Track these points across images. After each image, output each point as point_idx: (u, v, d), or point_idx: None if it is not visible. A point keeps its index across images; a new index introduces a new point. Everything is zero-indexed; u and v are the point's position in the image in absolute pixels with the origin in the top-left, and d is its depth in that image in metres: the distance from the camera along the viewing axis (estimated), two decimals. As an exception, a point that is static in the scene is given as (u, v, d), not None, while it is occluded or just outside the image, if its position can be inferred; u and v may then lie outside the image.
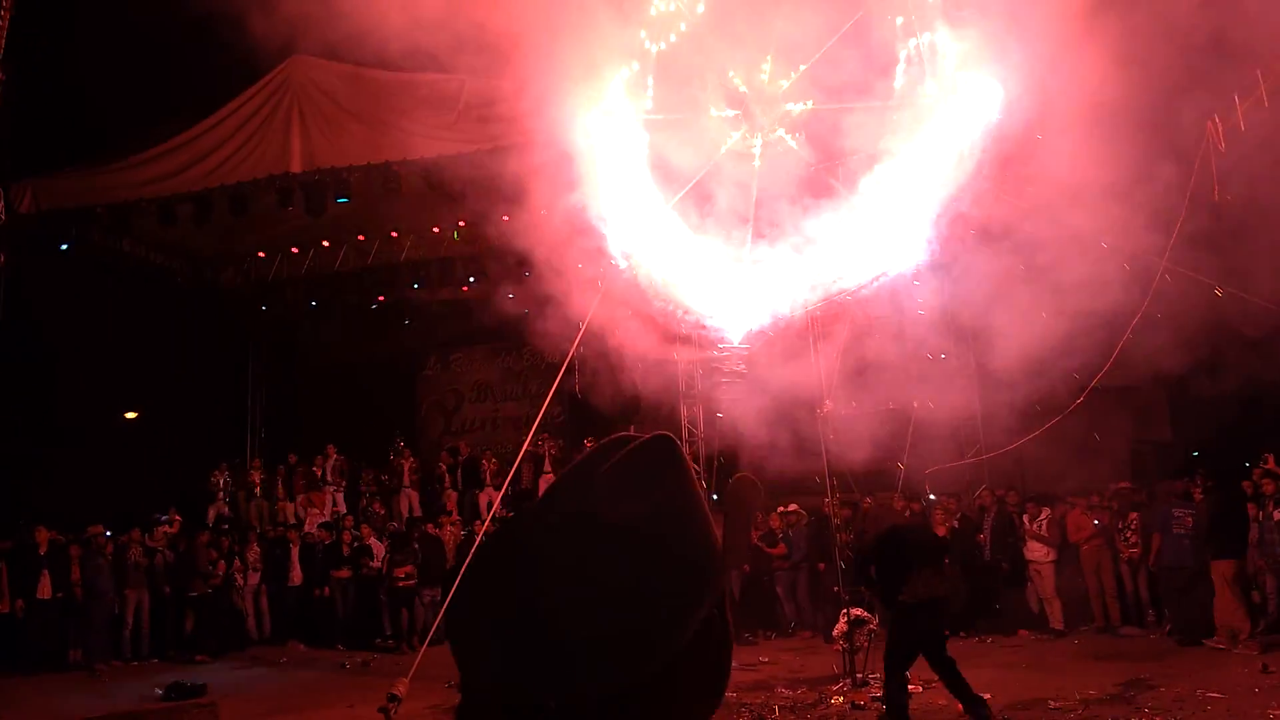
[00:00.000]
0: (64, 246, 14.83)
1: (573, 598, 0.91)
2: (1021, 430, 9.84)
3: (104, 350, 15.87)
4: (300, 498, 16.18)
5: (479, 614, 0.99)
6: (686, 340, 13.05)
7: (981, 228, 8.67)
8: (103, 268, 15.75)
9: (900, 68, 7.54)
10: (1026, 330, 8.56)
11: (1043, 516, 11.90)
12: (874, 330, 10.47)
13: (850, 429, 9.95)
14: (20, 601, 11.82)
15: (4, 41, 8.36)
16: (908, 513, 10.44)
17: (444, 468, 16.89)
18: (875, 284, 8.29)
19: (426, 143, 12.58)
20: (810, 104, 8.09)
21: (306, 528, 15.04)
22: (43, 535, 12.24)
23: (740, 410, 13.68)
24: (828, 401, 9.52)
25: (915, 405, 10.00)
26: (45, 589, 12.01)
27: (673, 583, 1.09)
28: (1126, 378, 9.66)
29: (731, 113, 7.86)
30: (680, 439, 13.74)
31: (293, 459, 16.94)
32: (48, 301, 15.18)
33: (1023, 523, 12.02)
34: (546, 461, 16.42)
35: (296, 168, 12.77)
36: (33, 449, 15.05)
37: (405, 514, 16.04)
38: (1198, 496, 10.89)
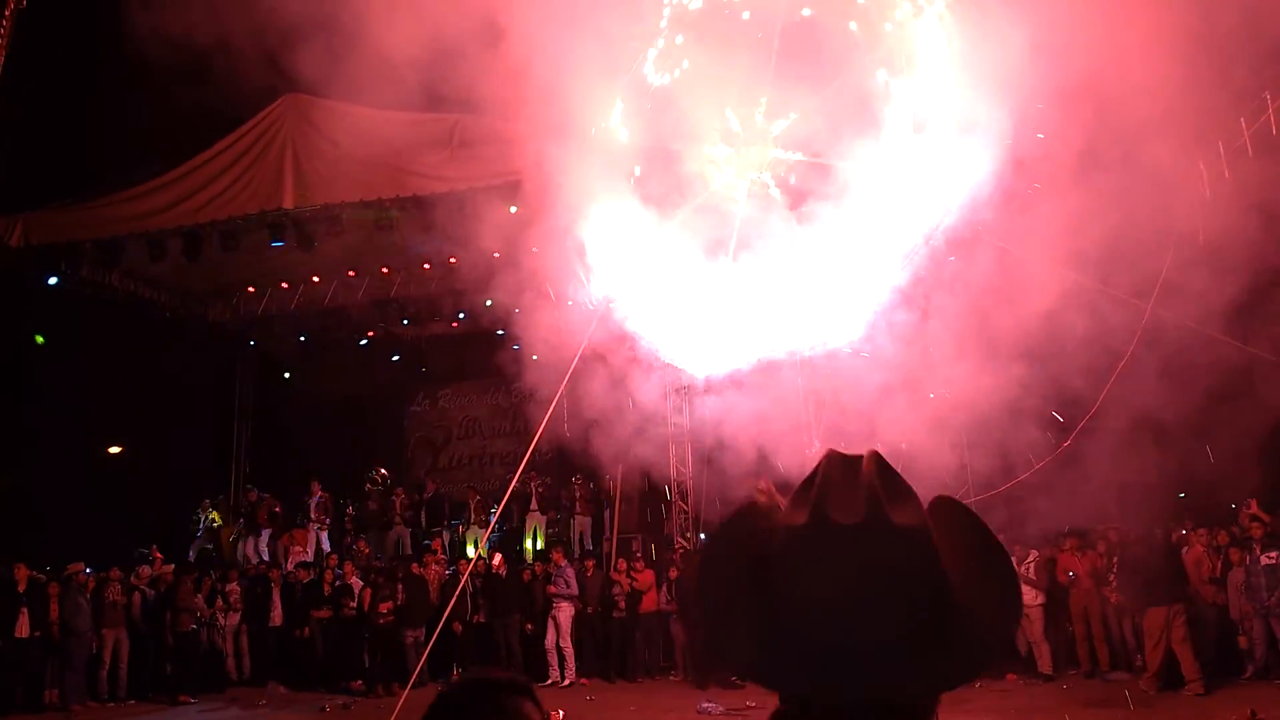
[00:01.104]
0: (52, 280, 14.79)
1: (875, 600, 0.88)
2: (1010, 472, 9.84)
3: (89, 383, 15.77)
4: (284, 536, 16.01)
5: (765, 626, 0.94)
6: (675, 377, 13.12)
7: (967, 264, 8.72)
8: (90, 301, 15.71)
9: (888, 120, 7.63)
10: (1013, 370, 8.60)
11: (1030, 559, 11.86)
12: (859, 368, 10.48)
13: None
14: (-3, 639, 11.62)
15: (0, 76, 8.41)
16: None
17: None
18: (859, 325, 8.33)
19: (419, 180, 12.67)
20: (798, 155, 8.18)
21: (288, 566, 14.87)
22: (22, 572, 12.05)
23: (726, 448, 13.71)
24: (816, 441, 9.50)
25: (904, 447, 9.98)
26: (24, 627, 11.80)
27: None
28: (1114, 420, 9.68)
29: (723, 151, 7.93)
30: (670, 481, 13.87)
31: (252, 496, 16.82)
32: (33, 334, 15.14)
33: (1011, 565, 11.96)
34: (534, 499, 16.31)
35: (289, 203, 12.82)
36: (14, 482, 14.86)
37: (393, 551, 15.91)
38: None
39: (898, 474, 1.24)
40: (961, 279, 8.40)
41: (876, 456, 1.26)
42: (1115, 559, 11.51)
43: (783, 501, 1.28)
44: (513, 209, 11.46)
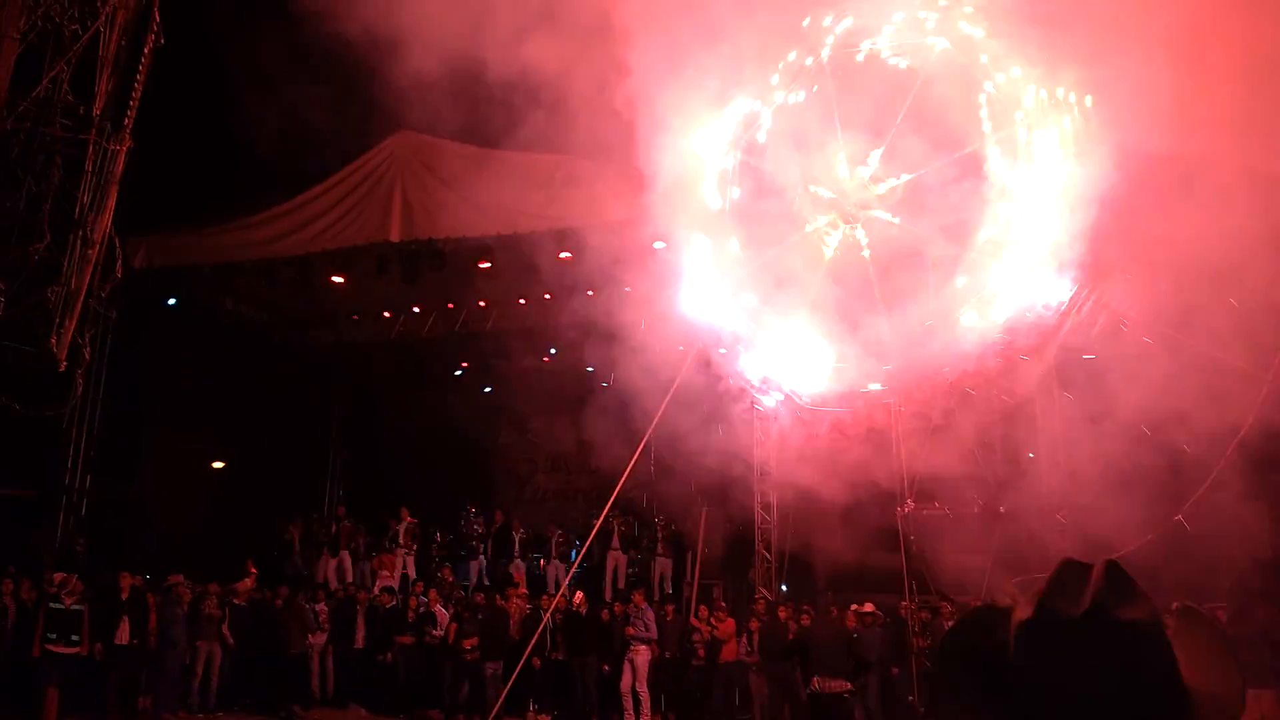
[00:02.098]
0: (171, 301, 15.53)
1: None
2: (1116, 538, 9.38)
3: (197, 400, 16.46)
4: (373, 560, 16.33)
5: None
6: (766, 423, 12.99)
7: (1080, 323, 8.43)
8: (204, 322, 16.44)
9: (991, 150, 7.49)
10: (1123, 436, 8.24)
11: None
12: (959, 427, 10.19)
13: (933, 529, 9.63)
14: (99, 645, 12.06)
15: (135, 112, 8.91)
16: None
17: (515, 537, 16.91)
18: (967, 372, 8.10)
19: (520, 218, 12.94)
20: (900, 179, 8.06)
21: (374, 590, 15.12)
22: (125, 581, 12.53)
23: (817, 498, 13.47)
24: (910, 501, 9.26)
25: (1002, 510, 9.65)
26: (124, 634, 12.24)
27: None
28: (1229, 486, 9.18)
29: (824, 218, 7.89)
30: (754, 523, 13.67)
31: (341, 512, 17.22)
32: (150, 351, 15.89)
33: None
34: (615, 538, 16.28)
35: (395, 237, 13.23)
36: (126, 492, 15.55)
37: (476, 581, 16.07)
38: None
39: (1131, 578, 1.31)
40: (1068, 344, 8.13)
41: (1110, 563, 1.33)
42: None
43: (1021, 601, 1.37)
44: (607, 247, 11.57)
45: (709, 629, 12.73)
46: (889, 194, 8.03)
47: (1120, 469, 8.28)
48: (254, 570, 14.63)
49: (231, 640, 13.07)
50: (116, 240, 8.36)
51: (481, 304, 16.97)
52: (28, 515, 14.40)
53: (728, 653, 12.58)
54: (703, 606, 13.13)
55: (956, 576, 10.22)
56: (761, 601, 13.14)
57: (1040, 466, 12.20)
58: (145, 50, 8.77)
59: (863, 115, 7.88)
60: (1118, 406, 8.04)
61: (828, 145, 8.08)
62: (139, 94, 9.08)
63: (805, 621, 12.12)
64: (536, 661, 12.53)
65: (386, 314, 17.49)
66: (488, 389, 19.03)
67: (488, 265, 13.82)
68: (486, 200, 12.73)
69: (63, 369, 7.83)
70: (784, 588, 13.84)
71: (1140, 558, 9.18)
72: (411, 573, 16.20)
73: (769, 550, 13.90)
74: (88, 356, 8.89)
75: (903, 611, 10.84)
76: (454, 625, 13.32)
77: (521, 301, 16.62)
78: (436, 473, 18.42)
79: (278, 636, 13.23)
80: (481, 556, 16.77)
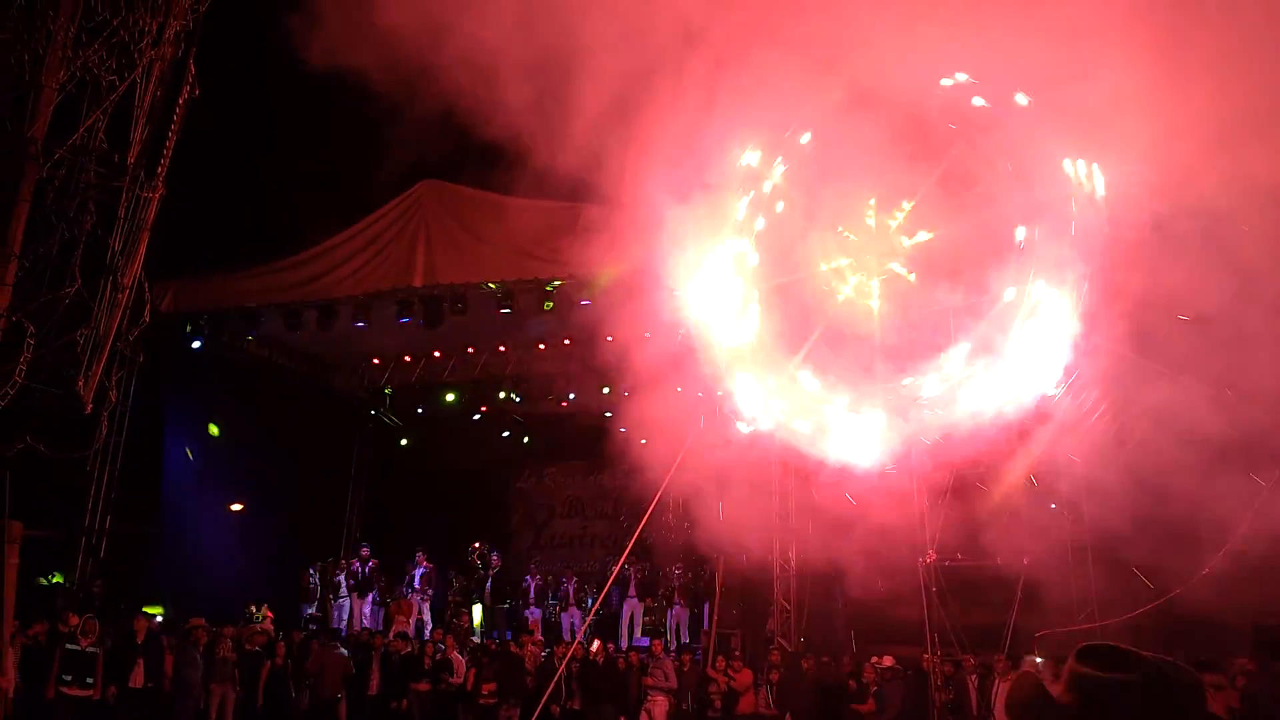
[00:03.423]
0: (195, 344, 15.71)
1: None
2: (1139, 596, 9.25)
3: (219, 443, 16.56)
4: (391, 604, 16.25)
5: None
6: (785, 472, 12.92)
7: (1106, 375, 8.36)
8: (227, 364, 16.60)
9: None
10: (1148, 496, 8.13)
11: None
12: (984, 482, 10.10)
13: (955, 582, 9.50)
14: (113, 688, 12.00)
15: (169, 160, 9.10)
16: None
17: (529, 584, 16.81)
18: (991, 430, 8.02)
19: (540, 264, 13.06)
20: (929, 235, 8.06)
21: (389, 635, 15.02)
22: (141, 624, 12.50)
23: (839, 549, 13.32)
24: (931, 551, 9.16)
25: (1025, 562, 9.52)
26: (138, 677, 12.18)
27: None
28: (1251, 552, 9.03)
29: (844, 261, 7.90)
30: (773, 574, 13.53)
31: (365, 552, 17.19)
32: (172, 393, 16.04)
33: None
34: (632, 585, 16.15)
35: (418, 282, 13.38)
36: (147, 533, 15.58)
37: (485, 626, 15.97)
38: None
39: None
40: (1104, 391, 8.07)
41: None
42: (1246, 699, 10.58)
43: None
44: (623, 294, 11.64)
45: (726, 680, 12.55)
46: (912, 249, 8.04)
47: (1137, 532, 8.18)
48: (270, 614, 14.60)
49: (261, 695, 12.97)
50: (145, 285, 8.48)
51: (501, 349, 17.08)
52: (48, 556, 14.44)
53: (745, 704, 12.39)
54: (720, 657, 12.96)
55: (979, 629, 10.07)
56: (778, 652, 12.97)
57: (1065, 524, 12.06)
58: (180, 101, 8.97)
59: (897, 164, 7.88)
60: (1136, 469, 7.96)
61: (857, 189, 8.09)
62: (173, 143, 9.27)
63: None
64: (556, 709, 12.39)
65: (407, 358, 17.61)
66: (506, 433, 19.05)
67: (508, 310, 13.92)
68: (507, 246, 12.87)
69: (89, 411, 7.91)
70: (802, 639, 13.65)
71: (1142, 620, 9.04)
72: (427, 618, 16.11)
73: (788, 600, 13.74)
74: (113, 399, 8.98)
75: (925, 664, 10.66)
76: (472, 670, 13.20)
77: (541, 346, 16.72)
78: (454, 516, 18.39)
79: (304, 684, 13.12)
80: (479, 604, 16.63)
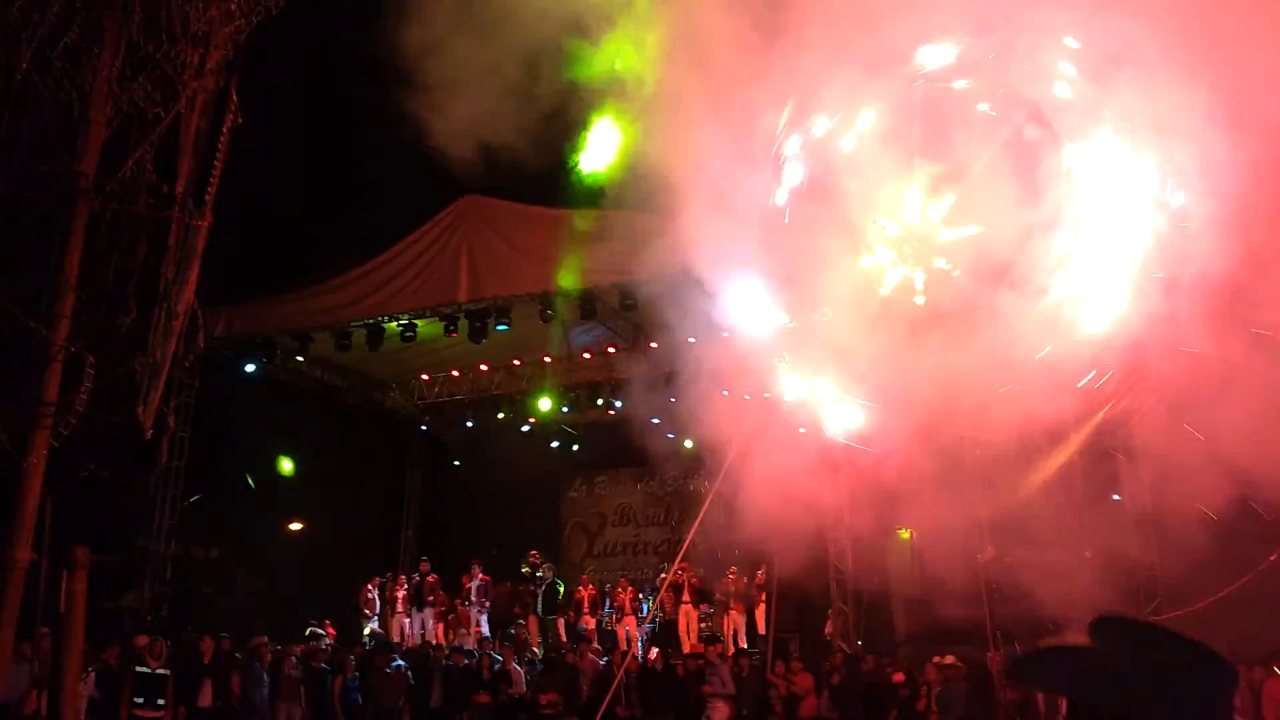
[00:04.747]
0: (250, 368, 16.03)
1: None
2: (1206, 585, 8.98)
3: (277, 464, 16.87)
4: (450, 617, 16.38)
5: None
6: (836, 472, 12.76)
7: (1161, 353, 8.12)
8: (281, 386, 16.92)
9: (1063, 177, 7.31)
10: (1213, 477, 7.88)
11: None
12: (1039, 472, 9.88)
13: (1015, 577, 9.29)
14: (182, 708, 12.21)
15: (216, 188, 9.31)
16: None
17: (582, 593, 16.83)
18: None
19: (582, 274, 13.11)
20: (974, 229, 7.92)
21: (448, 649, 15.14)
22: (208, 644, 12.73)
23: (892, 547, 13.13)
24: (989, 547, 8.98)
25: (1088, 554, 9.29)
26: (206, 697, 12.40)
27: None
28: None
29: (888, 254, 7.80)
30: (829, 576, 13.38)
31: (425, 567, 17.30)
32: (230, 417, 16.37)
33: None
34: (686, 591, 16.07)
35: (462, 297, 13.53)
36: (211, 556, 15.93)
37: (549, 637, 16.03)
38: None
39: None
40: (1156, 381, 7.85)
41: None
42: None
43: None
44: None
45: (785, 685, 12.43)
46: (956, 243, 7.90)
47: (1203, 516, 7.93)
48: (332, 631, 14.80)
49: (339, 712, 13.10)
50: (199, 311, 8.67)
51: (546, 359, 17.16)
52: (114, 580, 14.80)
53: (807, 709, 12.26)
54: (779, 662, 12.84)
55: (1039, 626, 9.83)
56: (840, 655, 12.81)
57: (1126, 511, 11.76)
58: (224, 129, 9.16)
59: (942, 154, 7.76)
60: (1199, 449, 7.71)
61: (901, 179, 7.96)
62: (219, 171, 9.47)
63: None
64: (621, 711, 12.39)
65: (455, 372, 17.78)
66: (555, 444, 19.13)
67: (550, 319, 14.00)
68: (548, 257, 12.96)
69: (149, 437, 8.09)
70: (860, 642, 13.48)
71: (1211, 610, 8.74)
72: (485, 630, 16.20)
73: (845, 602, 13.57)
74: (172, 425, 9.18)
75: (988, 663, 10.45)
76: (531, 681, 13.26)
77: (586, 356, 16.78)
78: (508, 528, 18.49)
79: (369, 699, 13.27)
80: (533, 614, 16.65)
